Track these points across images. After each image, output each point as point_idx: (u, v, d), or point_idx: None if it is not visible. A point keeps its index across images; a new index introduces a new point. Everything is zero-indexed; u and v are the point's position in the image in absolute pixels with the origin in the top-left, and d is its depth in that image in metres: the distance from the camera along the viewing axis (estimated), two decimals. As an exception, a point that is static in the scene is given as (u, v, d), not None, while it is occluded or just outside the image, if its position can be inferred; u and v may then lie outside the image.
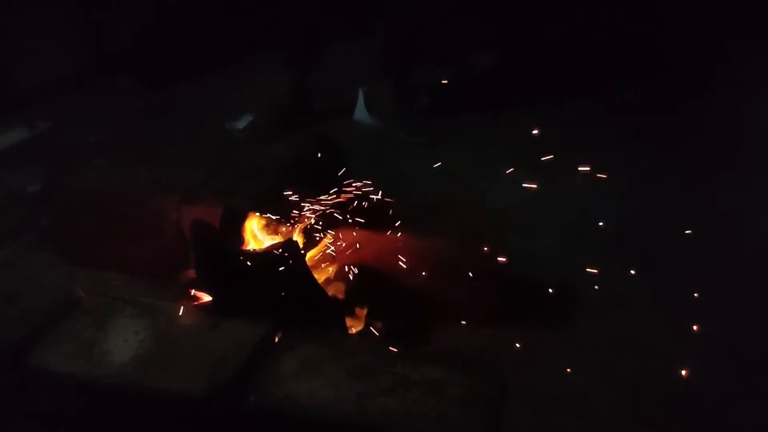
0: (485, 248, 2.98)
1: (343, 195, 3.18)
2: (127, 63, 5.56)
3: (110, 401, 2.46)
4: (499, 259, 2.88)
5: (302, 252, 2.94)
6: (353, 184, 3.30)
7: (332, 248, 3.11)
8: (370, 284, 2.98)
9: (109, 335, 2.63)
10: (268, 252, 2.85)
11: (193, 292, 2.96)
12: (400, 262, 2.98)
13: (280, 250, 2.79)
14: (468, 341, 2.80)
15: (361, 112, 4.92)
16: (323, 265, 3.11)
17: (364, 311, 2.89)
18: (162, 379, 2.42)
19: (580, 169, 3.63)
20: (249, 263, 2.82)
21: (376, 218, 3.15)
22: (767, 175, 3.77)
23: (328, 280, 3.05)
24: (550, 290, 3.02)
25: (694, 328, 2.86)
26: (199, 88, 5.41)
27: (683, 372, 2.65)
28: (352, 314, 2.89)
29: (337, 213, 3.16)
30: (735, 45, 5.08)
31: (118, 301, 2.81)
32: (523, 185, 3.67)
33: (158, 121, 4.92)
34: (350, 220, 3.15)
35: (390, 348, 2.54)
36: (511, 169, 3.71)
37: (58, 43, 5.44)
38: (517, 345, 2.76)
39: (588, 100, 5.00)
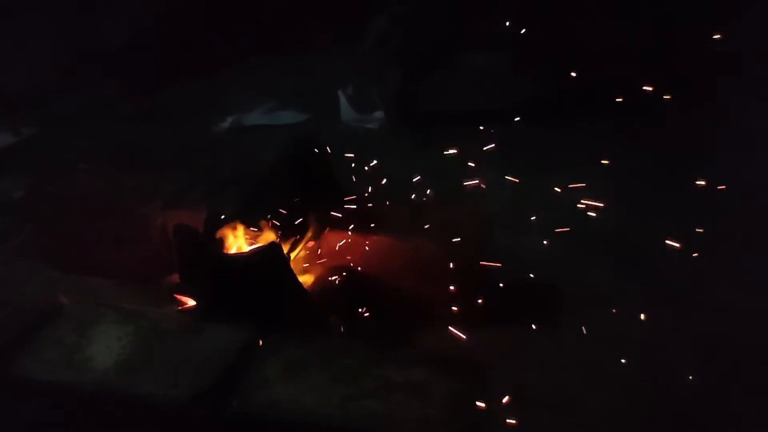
0: (471, 250, 2.99)
1: (328, 198, 3.19)
2: (112, 69, 5.54)
3: (92, 408, 2.44)
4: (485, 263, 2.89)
5: (286, 255, 2.94)
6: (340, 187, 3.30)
7: (316, 251, 3.12)
8: (355, 287, 2.97)
9: (91, 341, 2.61)
10: (252, 255, 2.84)
11: (176, 296, 2.94)
12: (385, 265, 2.98)
13: (264, 254, 2.78)
14: (452, 343, 2.79)
15: (347, 113, 4.92)
16: (308, 268, 3.11)
17: (349, 314, 2.88)
18: (145, 385, 2.41)
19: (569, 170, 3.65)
20: (233, 267, 2.81)
21: (361, 220, 3.16)
22: (756, 177, 3.79)
23: (312, 283, 3.05)
24: (537, 291, 3.02)
25: (681, 327, 2.88)
26: (185, 94, 5.40)
27: (670, 371, 2.66)
28: (337, 317, 2.88)
29: (322, 216, 3.16)
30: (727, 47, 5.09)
31: (100, 307, 2.79)
32: (511, 186, 3.69)
33: (143, 127, 4.90)
34: (336, 222, 3.16)
35: (374, 351, 2.54)
36: (501, 171, 3.73)
37: (44, 48, 5.42)
38: (502, 346, 2.76)
39: (580, 101, 4.99)
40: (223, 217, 2.96)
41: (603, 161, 3.71)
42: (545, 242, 3.32)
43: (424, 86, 4.97)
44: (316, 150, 3.39)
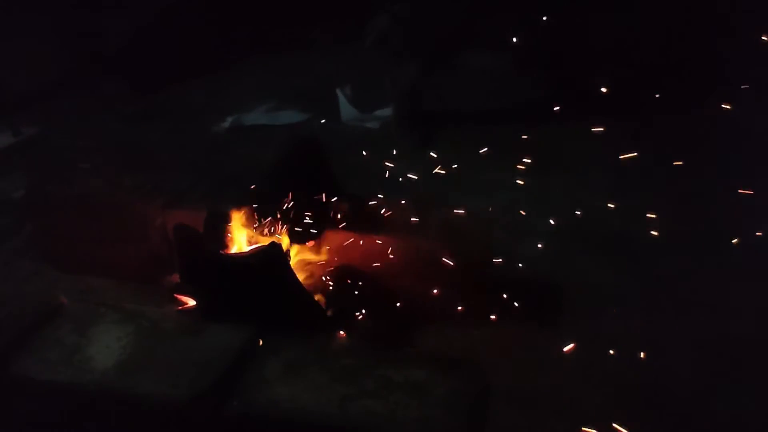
0: (471, 250, 2.98)
1: (328, 197, 3.18)
2: (112, 69, 5.54)
3: (92, 408, 2.44)
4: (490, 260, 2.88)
5: (286, 254, 2.94)
6: (339, 187, 3.30)
7: (317, 251, 3.11)
8: (355, 286, 2.97)
9: (91, 341, 2.60)
10: (252, 255, 2.84)
11: (176, 296, 2.94)
12: (385, 264, 2.98)
13: (264, 253, 2.78)
14: (452, 343, 2.80)
15: (347, 113, 4.92)
16: (308, 267, 3.11)
17: (349, 313, 2.88)
18: (145, 385, 2.40)
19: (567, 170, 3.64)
20: (233, 266, 2.81)
21: (361, 220, 3.15)
22: (757, 177, 3.79)
23: (312, 283, 3.05)
24: (537, 291, 3.02)
25: (681, 327, 2.88)
26: (184, 94, 5.40)
27: (669, 371, 2.67)
28: (337, 317, 2.88)
29: (322, 215, 3.15)
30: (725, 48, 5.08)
31: (100, 307, 2.79)
32: (511, 186, 3.69)
33: (143, 127, 4.90)
34: (336, 222, 3.15)
35: (374, 350, 2.54)
36: (499, 171, 3.72)
37: (44, 48, 5.42)
38: (502, 345, 2.76)
39: (579, 102, 4.99)
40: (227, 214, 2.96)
41: (600, 161, 3.70)
42: (545, 242, 3.32)
43: (431, 85, 4.97)
44: (316, 149, 3.39)
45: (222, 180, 3.45)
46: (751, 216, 3.46)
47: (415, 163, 3.87)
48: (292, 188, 3.14)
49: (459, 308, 2.89)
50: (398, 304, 2.92)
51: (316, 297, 2.94)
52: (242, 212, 3.02)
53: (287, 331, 2.62)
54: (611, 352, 2.75)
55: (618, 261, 3.28)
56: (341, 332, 2.76)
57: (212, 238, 2.96)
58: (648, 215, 3.56)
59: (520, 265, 3.11)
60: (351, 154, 3.98)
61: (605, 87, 4.33)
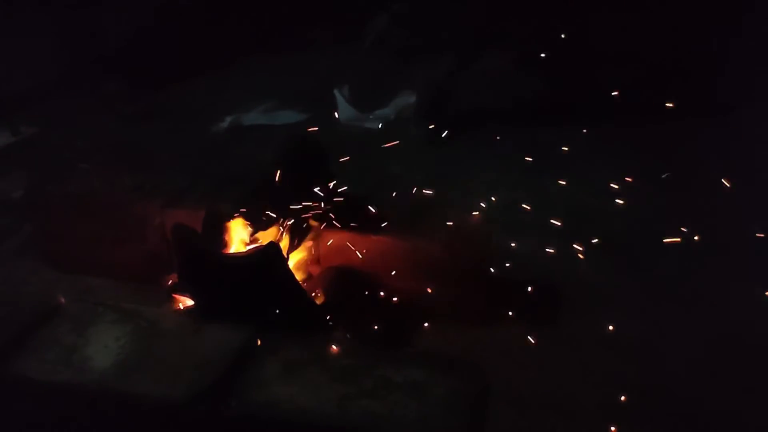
0: (471, 250, 2.98)
1: (326, 197, 3.18)
2: (112, 68, 5.53)
3: (91, 407, 2.43)
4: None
5: (284, 254, 2.93)
6: (338, 186, 3.29)
7: (315, 251, 3.11)
8: (354, 286, 2.97)
9: (90, 341, 2.60)
10: (250, 255, 2.84)
11: (175, 296, 2.93)
12: (384, 264, 2.97)
13: (262, 253, 2.77)
14: (452, 343, 2.79)
15: (345, 113, 4.91)
16: (307, 267, 3.11)
17: (347, 313, 2.88)
18: (143, 385, 2.40)
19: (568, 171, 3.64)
20: (231, 266, 2.81)
21: (360, 220, 3.15)
22: (756, 176, 3.79)
23: (311, 283, 3.04)
24: (537, 291, 3.02)
25: (681, 327, 2.88)
26: (184, 94, 5.40)
27: (670, 371, 2.66)
28: (335, 316, 2.87)
29: (320, 215, 3.15)
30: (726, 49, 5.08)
31: (99, 306, 2.78)
32: (511, 186, 3.68)
33: (143, 127, 4.90)
34: (334, 222, 3.15)
35: (373, 350, 2.53)
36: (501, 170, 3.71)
37: (44, 48, 5.42)
38: (501, 345, 2.76)
39: (579, 103, 4.99)
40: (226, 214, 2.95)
41: (601, 161, 3.70)
42: (545, 242, 3.32)
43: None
44: (315, 149, 3.38)
45: (221, 180, 3.44)
46: (752, 216, 3.46)
47: (417, 161, 3.88)
48: (291, 188, 3.14)
49: (459, 308, 2.88)
50: (397, 304, 2.91)
51: (315, 297, 2.93)
52: (241, 212, 3.01)
53: (286, 331, 2.62)
54: (612, 352, 2.75)
55: (618, 261, 3.27)
56: (340, 332, 2.75)
57: (211, 237, 2.95)
58: (647, 215, 3.56)
59: (520, 265, 3.11)
60: (350, 153, 3.97)
61: (607, 87, 4.34)
